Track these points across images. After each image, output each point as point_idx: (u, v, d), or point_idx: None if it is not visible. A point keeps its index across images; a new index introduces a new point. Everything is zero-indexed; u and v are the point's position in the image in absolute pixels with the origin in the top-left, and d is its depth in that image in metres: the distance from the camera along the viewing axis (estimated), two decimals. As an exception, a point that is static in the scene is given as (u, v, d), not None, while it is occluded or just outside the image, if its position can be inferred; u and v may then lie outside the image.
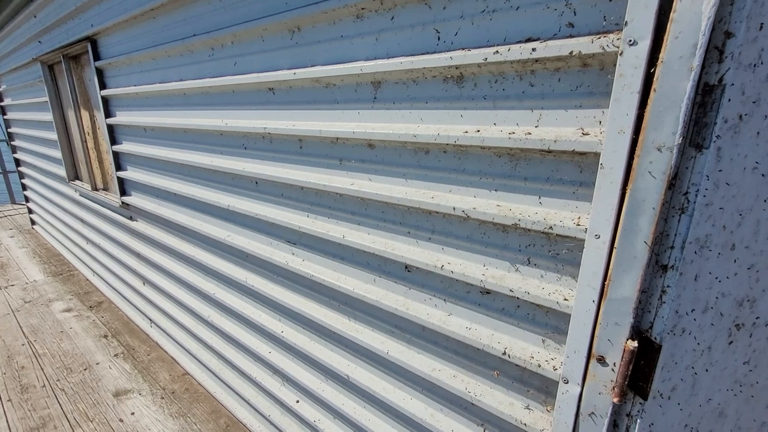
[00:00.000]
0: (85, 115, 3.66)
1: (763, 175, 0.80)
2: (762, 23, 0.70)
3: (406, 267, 1.37)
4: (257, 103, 1.76)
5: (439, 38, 1.11)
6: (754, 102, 0.74)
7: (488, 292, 1.17)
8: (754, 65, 0.72)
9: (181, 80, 2.15)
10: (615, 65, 0.83)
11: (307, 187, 1.62)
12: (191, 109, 2.16)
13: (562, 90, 0.93)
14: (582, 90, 0.90)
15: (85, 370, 3.05)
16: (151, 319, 3.33)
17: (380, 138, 1.29)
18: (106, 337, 3.48)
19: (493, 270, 1.15)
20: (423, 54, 1.14)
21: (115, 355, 3.22)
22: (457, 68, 1.07)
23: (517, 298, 1.09)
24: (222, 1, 1.75)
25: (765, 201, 0.82)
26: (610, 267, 0.87)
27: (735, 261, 0.85)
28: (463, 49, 1.06)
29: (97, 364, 3.12)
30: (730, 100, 0.73)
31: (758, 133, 0.77)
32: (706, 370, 0.92)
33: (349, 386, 1.70)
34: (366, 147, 1.38)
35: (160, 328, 3.21)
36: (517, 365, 1.14)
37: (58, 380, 2.93)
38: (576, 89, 0.91)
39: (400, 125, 1.26)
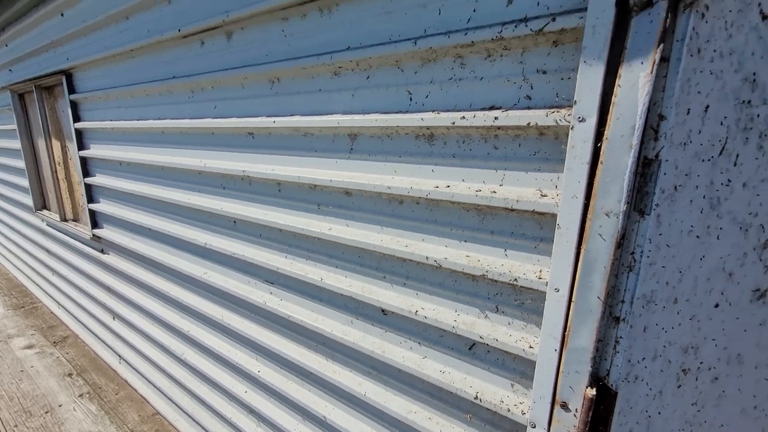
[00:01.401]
0: (56, 145, 3.58)
1: (697, 236, 0.89)
2: (689, 109, 0.80)
3: (382, 311, 1.40)
4: (237, 146, 1.79)
5: (411, 99, 1.19)
6: (686, 175, 0.84)
7: (460, 337, 1.22)
8: (684, 144, 0.82)
9: (159, 119, 2.17)
10: (568, 137, 0.93)
11: (285, 230, 1.65)
12: (170, 147, 2.17)
13: (522, 154, 1.02)
14: (540, 155, 0.99)
15: (46, 413, 2.88)
16: (120, 356, 3.20)
17: (356, 187, 1.35)
18: (70, 375, 3.31)
19: (464, 316, 1.20)
20: (396, 113, 1.22)
21: (80, 396, 3.06)
22: (428, 128, 1.15)
23: (487, 344, 1.14)
24: (203, 47, 1.80)
25: (701, 259, 0.91)
26: (569, 319, 0.94)
27: (678, 313, 0.93)
28: (433, 111, 1.14)
29: (60, 406, 2.95)
30: (665, 173, 0.82)
31: (691, 201, 0.86)
32: (659, 413, 0.99)
33: (326, 427, 1.69)
34: (343, 194, 1.43)
35: (129, 365, 3.09)
36: (488, 409, 1.18)
37: (16, 426, 2.75)
38: (535, 154, 1.00)
39: (376, 176, 1.32)
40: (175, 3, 1.84)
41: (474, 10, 1.02)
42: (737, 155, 0.87)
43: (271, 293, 1.82)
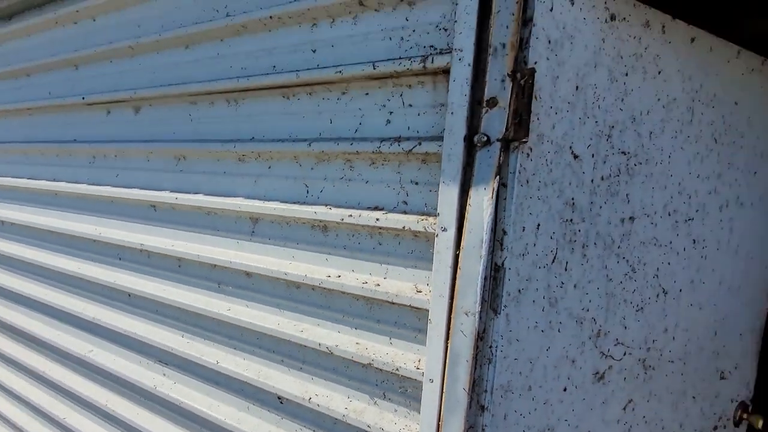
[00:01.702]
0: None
1: (542, 330, 1.04)
2: (524, 226, 0.97)
3: (278, 397, 1.37)
4: (137, 217, 1.73)
5: (308, 192, 1.27)
6: (527, 280, 1.00)
7: (350, 425, 1.23)
8: (523, 254, 0.98)
9: (54, 180, 2.02)
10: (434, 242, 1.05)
11: (183, 308, 1.58)
12: (63, 210, 2.01)
13: (402, 252, 1.13)
14: (416, 254, 1.11)
15: None
16: (-26, 450, 2.64)
17: (256, 270, 1.36)
18: None
19: (355, 402, 1.22)
20: (294, 203, 1.29)
21: None
22: (321, 221, 1.23)
23: (375, 433, 1.17)
24: (108, 116, 1.77)
25: (547, 350, 1.05)
26: (442, 408, 1.01)
27: (533, 399, 1.05)
28: (326, 205, 1.23)
29: None
30: (509, 279, 0.97)
31: (534, 301, 1.01)
32: (525, 495, 1.07)
33: None
34: (244, 275, 1.43)
35: (-15, 461, 2.55)
36: (377, 501, 1.18)
37: None
38: (411, 253, 1.11)
39: (275, 260, 1.35)
40: (82, 69, 1.81)
41: (360, 124, 1.16)
42: (567, 262, 1.05)
43: (164, 374, 1.68)
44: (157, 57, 1.56)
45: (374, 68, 1.05)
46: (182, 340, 1.61)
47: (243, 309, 1.44)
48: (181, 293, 1.60)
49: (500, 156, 0.93)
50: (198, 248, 1.53)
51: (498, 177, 0.94)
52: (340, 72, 1.11)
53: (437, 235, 1.01)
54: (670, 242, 1.22)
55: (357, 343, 1.20)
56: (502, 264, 0.97)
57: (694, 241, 1.28)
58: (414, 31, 1.02)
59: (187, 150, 1.51)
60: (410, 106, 1.07)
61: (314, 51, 1.19)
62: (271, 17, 1.22)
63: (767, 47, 1.29)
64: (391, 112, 1.10)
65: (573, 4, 0.92)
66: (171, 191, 1.59)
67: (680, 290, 1.29)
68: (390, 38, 1.07)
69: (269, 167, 1.34)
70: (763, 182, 1.45)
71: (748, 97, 1.31)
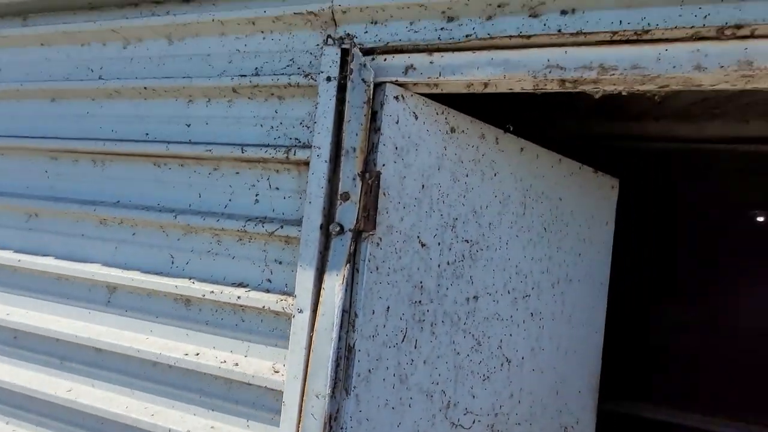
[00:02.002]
0: None
1: (393, 407, 1.10)
2: (374, 309, 1.05)
3: (118, 494, 1.21)
4: (-33, 279, 1.48)
5: (173, 263, 1.23)
6: (377, 359, 1.06)
7: None
8: (373, 336, 1.05)
9: None
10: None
11: (12, 389, 1.35)
12: None
13: (264, 329, 1.13)
14: (277, 333, 1.12)
15: None
16: None
17: (108, 345, 1.24)
18: None
19: (206, 495, 1.13)
20: (158, 274, 1.23)
21: None
22: (183, 295, 1.19)
23: None
24: (-53, 160, 1.54)
25: (398, 426, 1.11)
26: (291, 498, 0.99)
27: (383, 475, 1.08)
28: (191, 278, 1.19)
29: None
30: (359, 360, 1.02)
31: (384, 379, 1.08)
32: None
33: None
34: (93, 350, 1.29)
35: None
36: None
37: None
38: (273, 331, 1.12)
39: (130, 334, 1.25)
40: None
41: (230, 200, 1.18)
42: (416, 340, 1.15)
43: (-24, 473, 1.38)
44: (17, 106, 1.43)
45: (243, 152, 1.10)
46: (6, 428, 1.36)
47: (87, 389, 1.28)
48: (13, 371, 1.37)
49: (352, 245, 1.02)
50: (40, 318, 1.35)
51: (349, 264, 1.02)
52: (210, 150, 1.14)
53: (293, 317, 1.04)
54: (511, 316, 1.41)
55: (212, 428, 1.14)
56: (353, 345, 1.03)
57: (532, 314, 1.49)
58: (281, 123, 1.11)
59: (40, 207, 1.37)
60: (277, 189, 1.13)
61: (188, 125, 1.21)
62: (145, 88, 1.22)
63: (580, 157, 1.63)
64: (259, 193, 1.14)
65: (417, 118, 1.09)
66: (15, 251, 1.40)
67: (522, 358, 1.47)
68: (261, 125, 1.14)
69: (133, 234, 1.28)
70: (588, 262, 1.76)
71: (570, 194, 1.62)
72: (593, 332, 1.81)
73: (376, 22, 1.02)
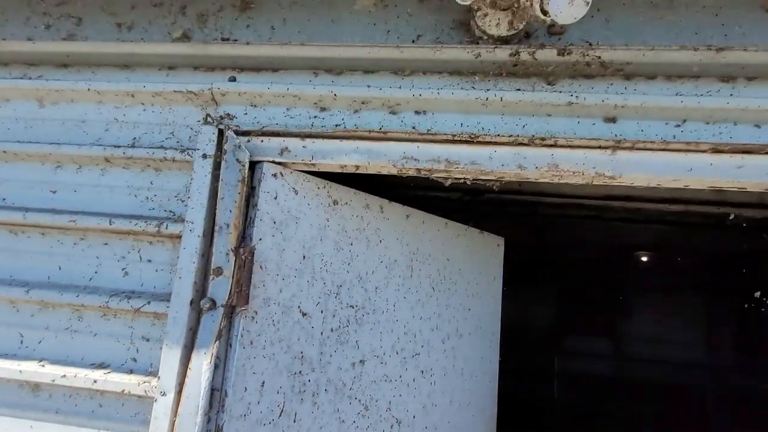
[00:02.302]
0: None
1: (266, 491, 1.05)
2: (246, 387, 1.03)
3: None
4: None
5: (22, 342, 1.10)
6: (249, 440, 1.03)
7: None
8: (245, 415, 1.02)
9: None
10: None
11: None
12: None
13: (124, 416, 1.03)
14: (139, 418, 1.03)
15: None
16: None
17: None
18: None
19: None
20: (2, 356, 1.09)
21: None
22: (28, 381, 1.05)
23: None
24: None
25: None
26: None
27: None
28: (41, 360, 1.07)
29: None
30: (228, 443, 0.98)
31: (256, 461, 1.04)
32: None
33: None
34: None
35: None
36: None
37: None
38: (135, 416, 1.03)
39: (-44, 431, 1.06)
40: None
41: (95, 272, 1.11)
42: (296, 413, 1.14)
43: None
44: None
45: (110, 223, 1.06)
46: None
47: None
48: None
49: (223, 320, 1.01)
50: None
51: (219, 341, 1.00)
52: (75, 221, 1.08)
53: (156, 400, 0.98)
54: (400, 376, 1.45)
55: None
56: (221, 427, 0.99)
57: (423, 371, 1.56)
58: (157, 195, 1.09)
59: None
60: (149, 261, 1.09)
61: (54, 192, 1.14)
62: (5, 151, 1.14)
63: (466, 219, 1.82)
64: (128, 265, 1.09)
65: (297, 193, 1.15)
66: None
67: (414, 417, 1.51)
68: (135, 195, 1.11)
69: (-25, 310, 1.13)
70: (478, 316, 1.91)
71: (457, 255, 1.78)
72: (487, 382, 1.92)
73: (255, 105, 1.09)
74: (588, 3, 0.76)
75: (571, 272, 5.45)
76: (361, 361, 1.32)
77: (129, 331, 1.07)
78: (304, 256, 1.17)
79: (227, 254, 1.01)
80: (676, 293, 5.07)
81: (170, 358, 0.99)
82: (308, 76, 1.09)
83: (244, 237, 1.05)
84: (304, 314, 1.17)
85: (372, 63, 1.04)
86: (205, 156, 1.03)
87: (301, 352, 1.16)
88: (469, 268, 1.82)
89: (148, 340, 1.06)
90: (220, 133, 1.03)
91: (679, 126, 0.96)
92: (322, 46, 1.02)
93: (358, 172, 1.10)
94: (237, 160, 1.01)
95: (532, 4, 0.84)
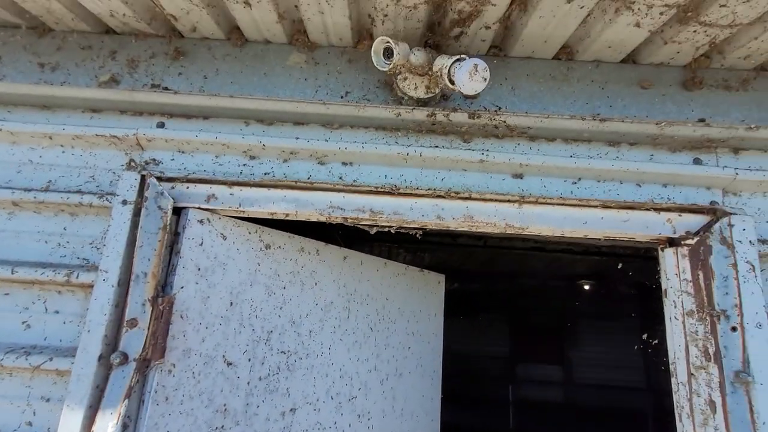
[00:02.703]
0: None
1: None
2: (159, 446, 0.96)
3: None
4: None
5: None
6: (158, 507, 0.95)
7: None
8: (155, 479, 0.95)
9: None
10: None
11: None
12: None
13: (12, 489, 0.93)
14: (30, 491, 0.93)
15: None
16: None
17: None
18: None
19: None
20: None
21: None
22: None
23: None
24: None
25: None
26: None
27: None
28: None
29: None
30: None
31: None
32: None
33: None
34: None
35: None
36: None
37: None
38: (25, 489, 0.93)
39: None
40: None
41: (-8, 326, 1.01)
42: (215, 473, 1.07)
43: None
44: None
45: (12, 273, 0.99)
46: None
47: None
48: None
49: (135, 376, 0.95)
50: None
51: (128, 399, 0.94)
52: (-31, 271, 0.99)
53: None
54: (335, 422, 1.42)
55: None
56: (127, 496, 0.91)
57: (360, 415, 1.54)
58: (69, 241, 1.04)
59: None
60: (56, 312, 1.02)
61: (-50, 237, 1.05)
62: None
63: (404, 259, 1.87)
64: (31, 317, 1.01)
65: (226, 239, 1.14)
66: None
67: (349, 465, 1.47)
68: (46, 241, 1.05)
69: None
70: (417, 354, 1.93)
71: (396, 294, 1.81)
72: (429, 421, 1.92)
73: (183, 152, 1.09)
74: (486, 79, 0.86)
75: (521, 301, 5.68)
76: (291, 410, 1.28)
77: (26, 391, 0.98)
78: (231, 303, 1.15)
79: (144, 304, 0.97)
80: (616, 320, 5.42)
81: (71, 421, 0.91)
82: (239, 125, 1.11)
83: (164, 285, 1.02)
84: (229, 364, 1.13)
85: (301, 116, 1.09)
86: (125, 202, 1.00)
87: (225, 405, 1.11)
88: (409, 307, 1.86)
89: (48, 400, 0.97)
90: (143, 179, 1.02)
91: (575, 183, 1.08)
92: (251, 99, 1.06)
93: (288, 219, 1.12)
94: (159, 207, 1.00)
95: (441, 75, 0.93)
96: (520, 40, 1.06)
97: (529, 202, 1.04)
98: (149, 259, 0.98)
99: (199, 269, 1.07)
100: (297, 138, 1.07)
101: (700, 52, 1.06)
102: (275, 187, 1.05)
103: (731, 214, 1.00)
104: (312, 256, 1.40)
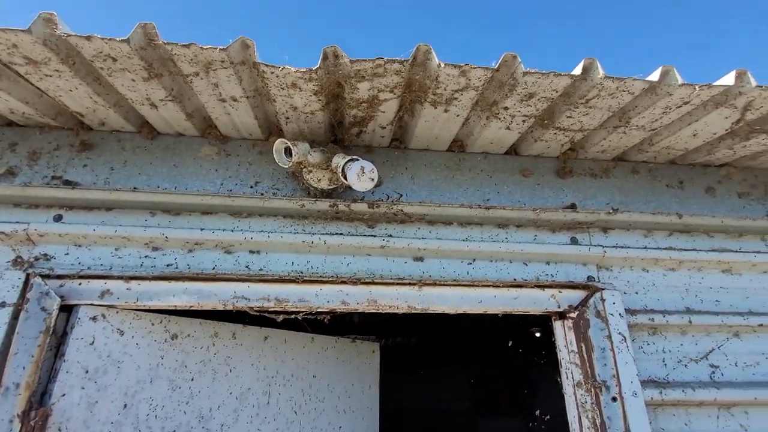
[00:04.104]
0: None
1: None
2: None
3: None
4: None
5: None
6: None
7: None
8: None
9: None
10: None
11: None
12: None
13: None
14: None
15: None
16: None
17: None
18: None
19: None
20: None
21: None
22: None
23: None
24: None
25: None
26: None
27: None
28: None
29: None
30: None
31: None
32: None
33: None
34: None
35: None
36: None
37: None
38: None
39: None
40: None
41: None
42: None
43: None
44: None
45: None
46: None
47: None
48: None
49: None
50: None
51: None
52: None
53: None
54: None
55: None
56: None
57: None
58: (-68, 351, 0.94)
59: None
60: None
61: None
62: None
63: (334, 331, 1.86)
64: None
65: (123, 334, 1.09)
66: None
67: None
68: None
69: None
70: (350, 430, 1.86)
71: (325, 370, 1.77)
72: None
73: (79, 246, 1.06)
74: (373, 180, 0.95)
75: (477, 354, 5.66)
76: None
77: None
78: (125, 405, 1.06)
79: (11, 421, 0.88)
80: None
81: None
82: (144, 216, 1.11)
83: (43, 394, 0.93)
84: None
85: (208, 207, 1.11)
86: (3, 304, 0.94)
87: None
88: (341, 382, 1.80)
89: None
90: (27, 278, 0.96)
91: (470, 264, 1.17)
92: (154, 193, 1.07)
93: (191, 309, 1.09)
94: (42, 308, 0.94)
95: (337, 172, 1.01)
96: (415, 136, 1.19)
97: (428, 284, 1.10)
98: (24, 368, 0.91)
99: (87, 371, 1.00)
100: (202, 229, 1.08)
101: (565, 148, 1.25)
102: (176, 279, 1.03)
103: (602, 289, 1.12)
104: (227, 341, 1.35)
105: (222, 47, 0.82)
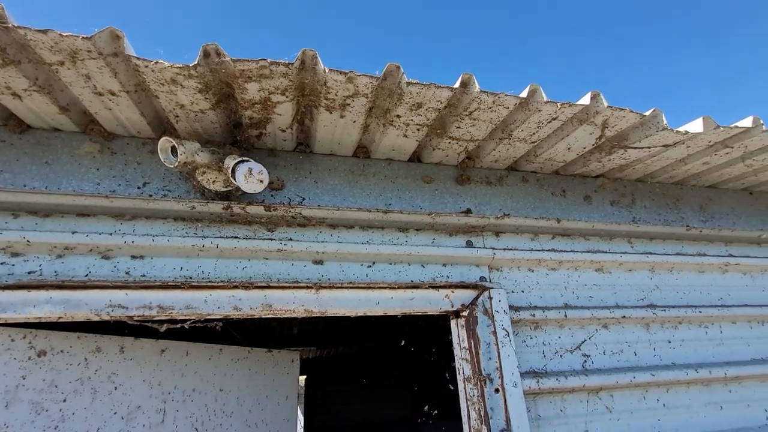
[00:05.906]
0: None
1: None
2: None
3: None
4: None
5: None
6: None
7: None
8: None
9: None
10: None
11: None
12: None
13: None
14: None
15: None
16: None
17: None
18: None
19: None
20: None
21: None
22: None
23: None
24: None
25: None
26: None
27: None
28: None
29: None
30: None
31: None
32: None
33: None
34: None
35: None
36: None
37: None
38: None
39: None
40: None
41: None
42: None
43: None
44: None
45: None
46: None
47: None
48: None
49: None
50: None
51: None
52: None
53: None
54: None
55: None
56: None
57: None
58: None
59: None
60: None
61: None
62: None
63: (251, 342, 1.79)
64: None
65: (-29, 352, 0.95)
66: None
67: None
68: None
69: None
70: (262, 448, 1.79)
71: (234, 382, 1.69)
72: None
73: None
74: (262, 182, 0.94)
75: (417, 361, 5.73)
76: None
77: None
78: (-30, 435, 0.93)
79: None
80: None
81: None
82: (4, 218, 0.99)
83: None
84: None
85: (83, 208, 1.02)
86: None
87: None
88: (253, 395, 1.73)
89: None
90: None
91: (370, 267, 1.20)
92: (18, 192, 0.96)
93: (64, 321, 0.99)
94: None
95: (227, 173, 0.99)
96: (318, 141, 1.20)
97: (326, 287, 1.11)
98: None
99: None
100: (74, 232, 0.99)
101: (462, 157, 1.33)
102: (38, 288, 0.93)
103: (491, 288, 1.21)
104: (113, 356, 1.24)
105: (85, 36, 0.77)
